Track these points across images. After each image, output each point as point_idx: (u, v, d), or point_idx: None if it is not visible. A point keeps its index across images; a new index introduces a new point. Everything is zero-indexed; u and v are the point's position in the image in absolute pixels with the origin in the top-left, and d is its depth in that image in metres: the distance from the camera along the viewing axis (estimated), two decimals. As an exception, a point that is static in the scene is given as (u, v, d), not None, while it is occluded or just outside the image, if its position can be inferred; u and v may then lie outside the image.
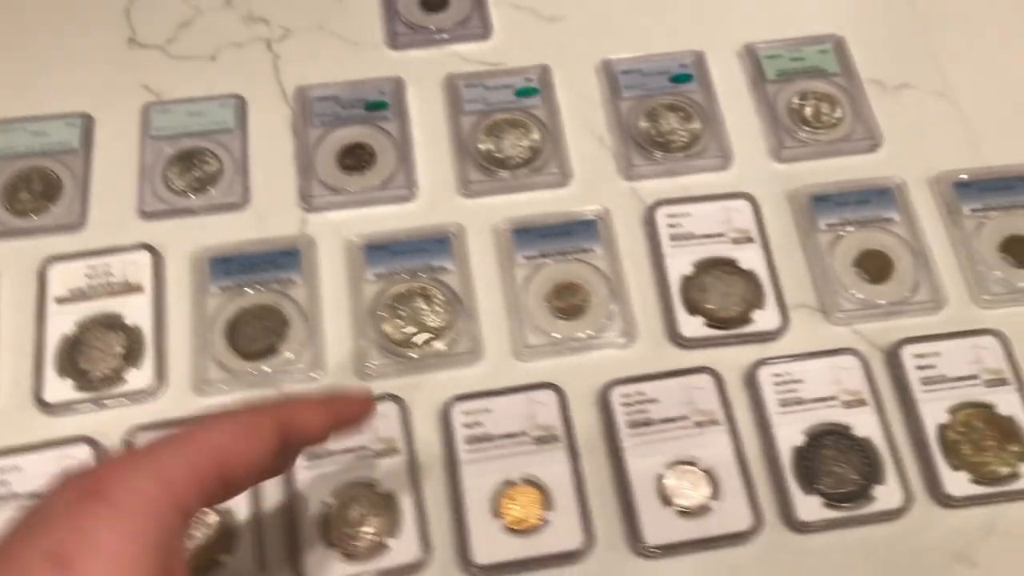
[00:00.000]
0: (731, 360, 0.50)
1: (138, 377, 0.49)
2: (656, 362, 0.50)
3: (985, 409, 0.49)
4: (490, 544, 0.45)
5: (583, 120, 0.57)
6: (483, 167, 0.55)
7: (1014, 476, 0.47)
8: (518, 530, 0.46)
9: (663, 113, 0.57)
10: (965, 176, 0.55)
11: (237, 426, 0.34)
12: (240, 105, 0.57)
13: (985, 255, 0.53)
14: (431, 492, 0.47)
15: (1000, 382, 0.50)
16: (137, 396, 0.49)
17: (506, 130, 0.56)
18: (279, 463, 0.36)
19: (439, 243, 0.53)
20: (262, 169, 0.56)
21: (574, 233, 0.53)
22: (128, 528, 0.29)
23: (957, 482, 0.47)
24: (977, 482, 0.47)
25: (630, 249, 0.54)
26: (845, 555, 0.46)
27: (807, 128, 0.57)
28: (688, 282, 0.52)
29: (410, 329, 0.50)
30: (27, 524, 0.30)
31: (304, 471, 0.46)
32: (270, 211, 0.54)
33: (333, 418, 0.38)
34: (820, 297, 0.52)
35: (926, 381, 0.49)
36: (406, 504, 0.46)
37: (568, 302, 0.51)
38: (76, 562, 0.28)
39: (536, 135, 0.56)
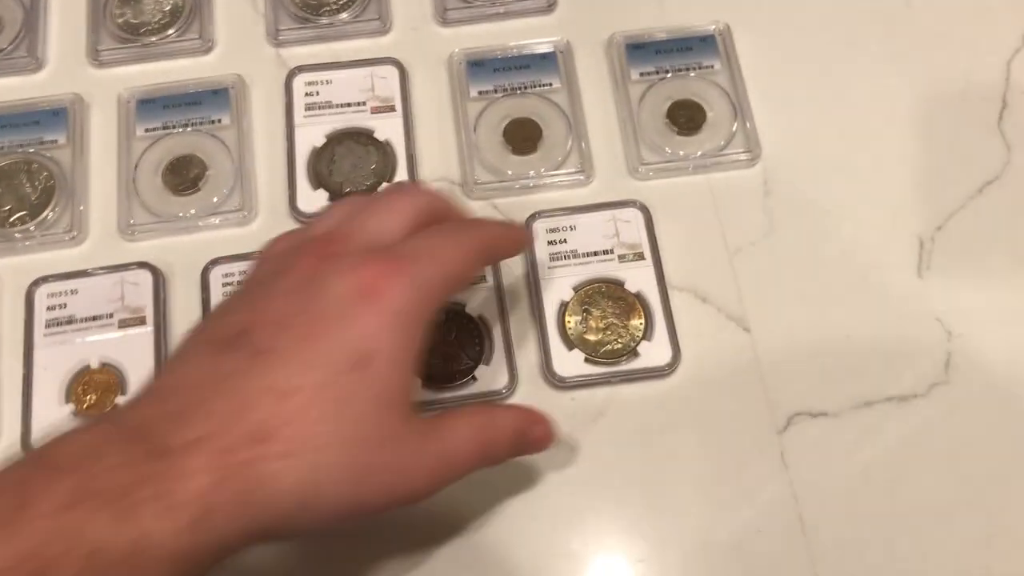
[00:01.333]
0: (355, 237, 0.47)
1: None
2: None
3: (613, 285, 0.45)
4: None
5: (237, -17, 0.53)
6: (118, 36, 0.51)
7: (633, 355, 0.44)
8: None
9: (318, -29, 0.52)
10: (637, 38, 0.51)
11: (484, 239, 0.38)
12: None
13: (647, 122, 0.49)
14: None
15: (637, 256, 0.46)
16: None
17: (145, -6, 0.52)
18: None
19: (54, 116, 0.49)
20: None
21: (203, 103, 0.49)
22: (405, 340, 0.32)
23: (569, 362, 0.44)
24: (592, 362, 0.44)
25: (265, 120, 0.50)
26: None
27: (479, -11, 0.52)
28: (318, 154, 0.48)
29: (7, 206, 0.47)
30: (306, 310, 0.32)
31: None
32: None
33: (517, 246, 0.42)
34: (463, 170, 0.48)
35: (553, 257, 0.46)
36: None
37: (184, 177, 0.48)
38: (373, 364, 0.31)
39: (178, -3, 0.52)
